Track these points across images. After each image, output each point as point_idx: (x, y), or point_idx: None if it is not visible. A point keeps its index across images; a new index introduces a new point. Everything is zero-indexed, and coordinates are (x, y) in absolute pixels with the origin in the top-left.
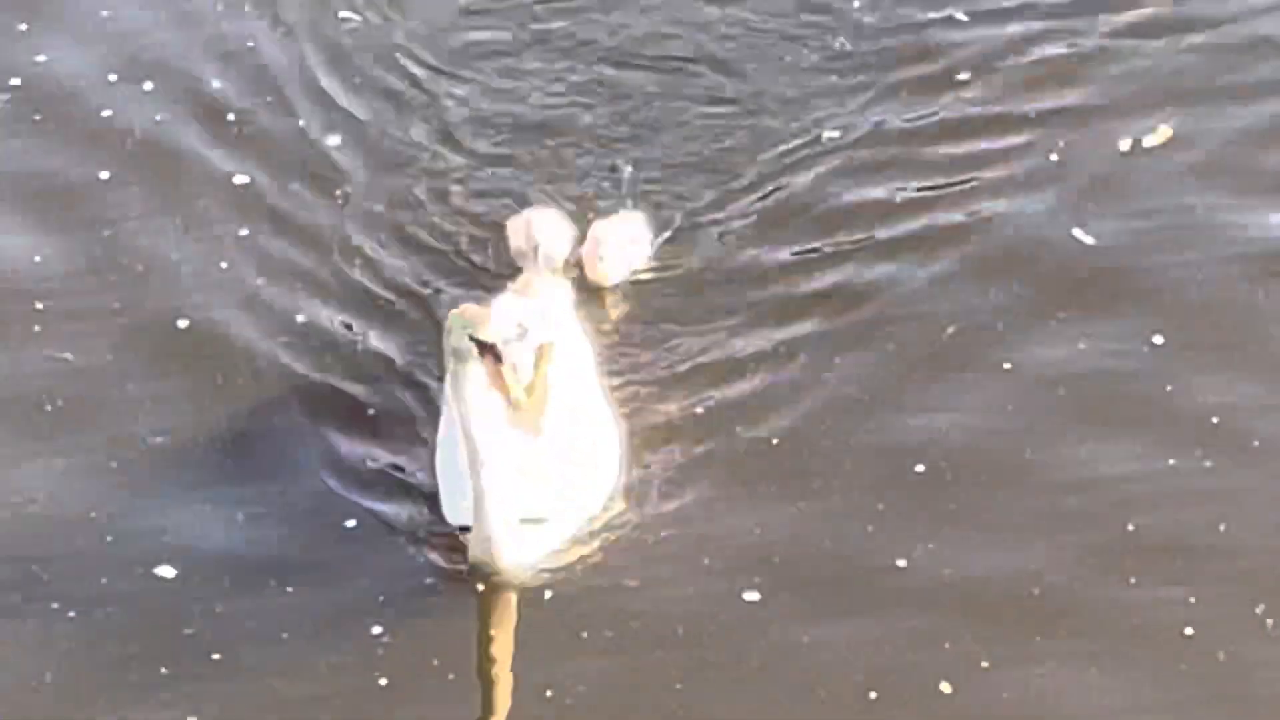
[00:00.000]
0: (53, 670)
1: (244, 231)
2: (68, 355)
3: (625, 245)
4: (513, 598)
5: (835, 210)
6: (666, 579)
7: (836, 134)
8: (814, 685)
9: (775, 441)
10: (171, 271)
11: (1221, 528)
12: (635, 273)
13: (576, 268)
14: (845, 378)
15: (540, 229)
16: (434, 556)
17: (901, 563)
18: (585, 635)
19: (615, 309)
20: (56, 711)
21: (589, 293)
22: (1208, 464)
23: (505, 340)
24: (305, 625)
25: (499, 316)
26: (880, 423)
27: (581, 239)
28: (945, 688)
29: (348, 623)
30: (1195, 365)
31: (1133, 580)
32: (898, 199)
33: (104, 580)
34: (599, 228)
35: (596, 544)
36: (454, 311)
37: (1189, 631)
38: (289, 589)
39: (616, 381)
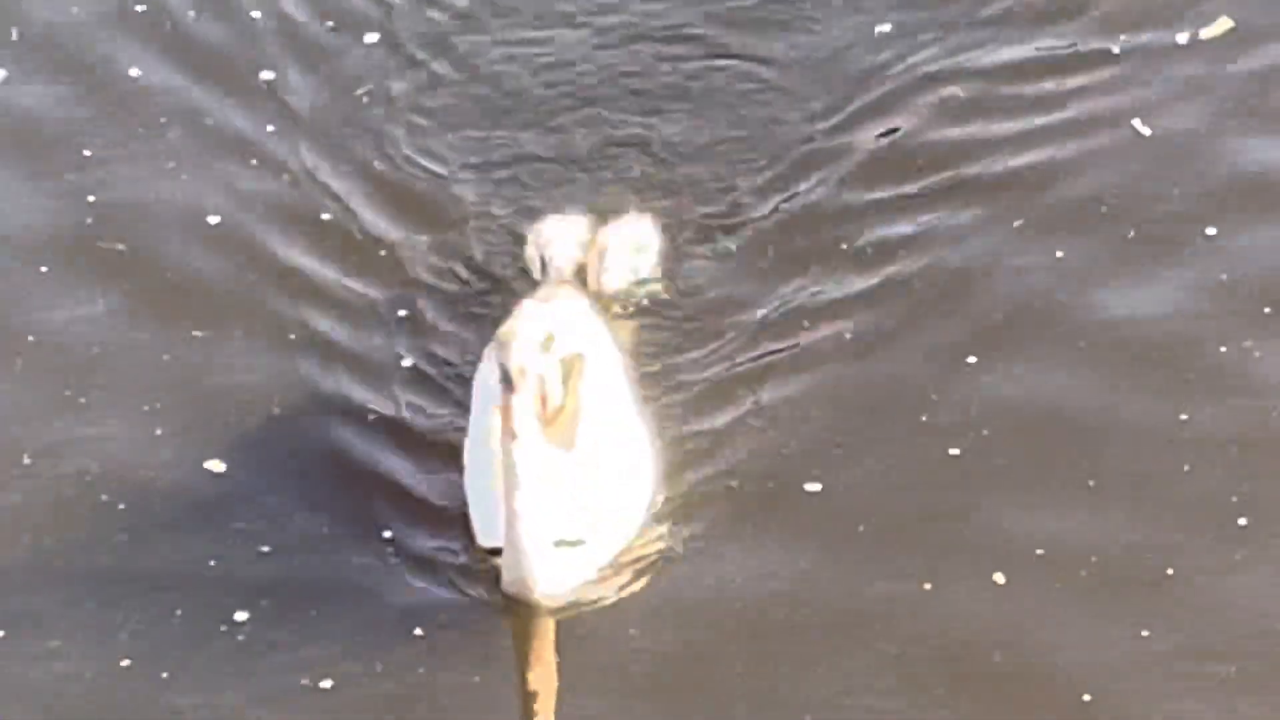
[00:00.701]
0: (104, 563)
1: (270, 128)
2: (119, 246)
3: (629, 252)
4: (550, 627)
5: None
6: (710, 605)
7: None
8: (871, 579)
9: (816, 451)
10: (201, 165)
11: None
12: (642, 280)
13: (581, 276)
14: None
15: (549, 237)
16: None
17: (955, 451)
18: (622, 666)
19: (624, 317)
20: (105, 608)
21: (597, 302)
22: (1257, 355)
23: (523, 368)
24: (353, 523)
25: (521, 340)
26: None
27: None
28: (999, 578)
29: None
30: (1251, 245)
31: (1187, 468)
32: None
33: (153, 475)
34: (604, 235)
35: (635, 569)
36: (500, 330)
37: (1242, 523)
38: (334, 486)
39: (644, 394)
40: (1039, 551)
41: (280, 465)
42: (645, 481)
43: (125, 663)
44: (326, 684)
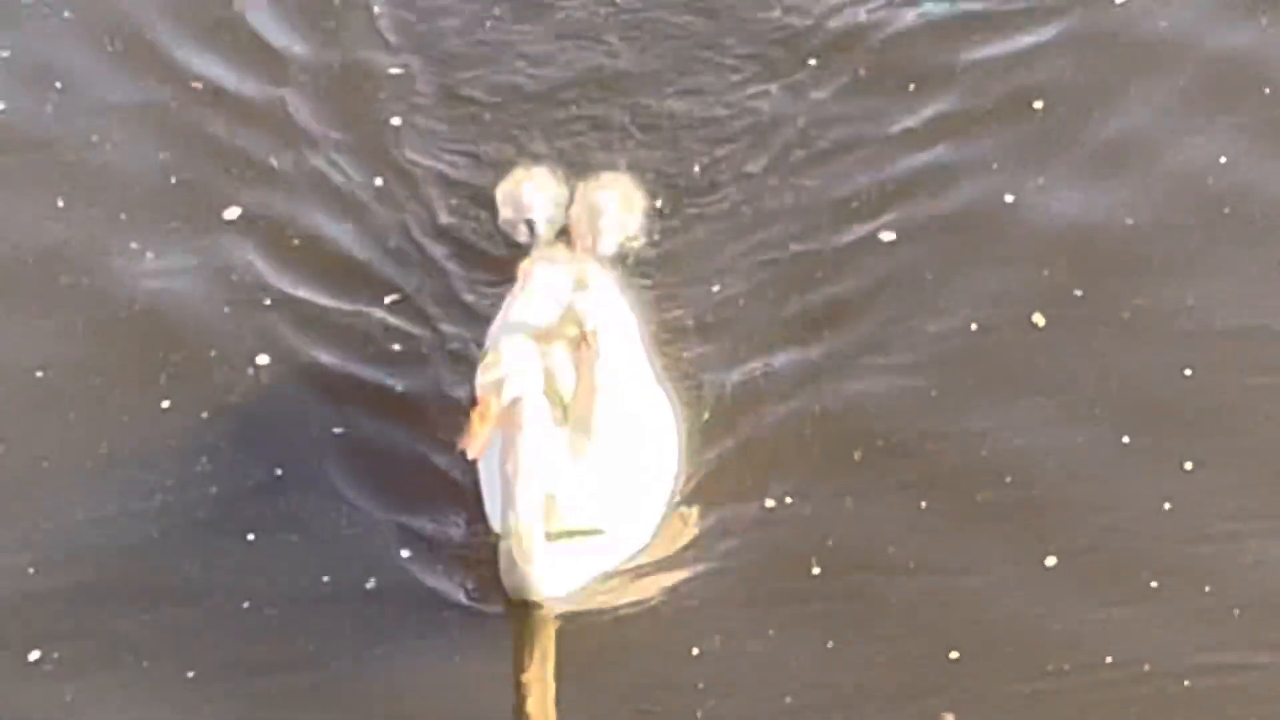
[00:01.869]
0: (140, 309)
1: None
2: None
3: (619, 212)
4: (551, 628)
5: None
6: (726, 602)
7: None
8: (924, 317)
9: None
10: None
11: None
12: (630, 240)
13: (566, 238)
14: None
15: (531, 196)
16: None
17: (1009, 198)
18: (633, 673)
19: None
20: (146, 353)
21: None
22: None
23: (488, 386)
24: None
25: (500, 366)
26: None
27: (569, 204)
28: (1038, 319)
29: None
30: None
31: (1226, 210)
32: None
33: (174, 224)
34: (589, 196)
35: (649, 563)
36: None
37: None
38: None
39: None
40: (1077, 293)
41: (290, 215)
42: (667, 466)
43: (165, 404)
44: (338, 430)
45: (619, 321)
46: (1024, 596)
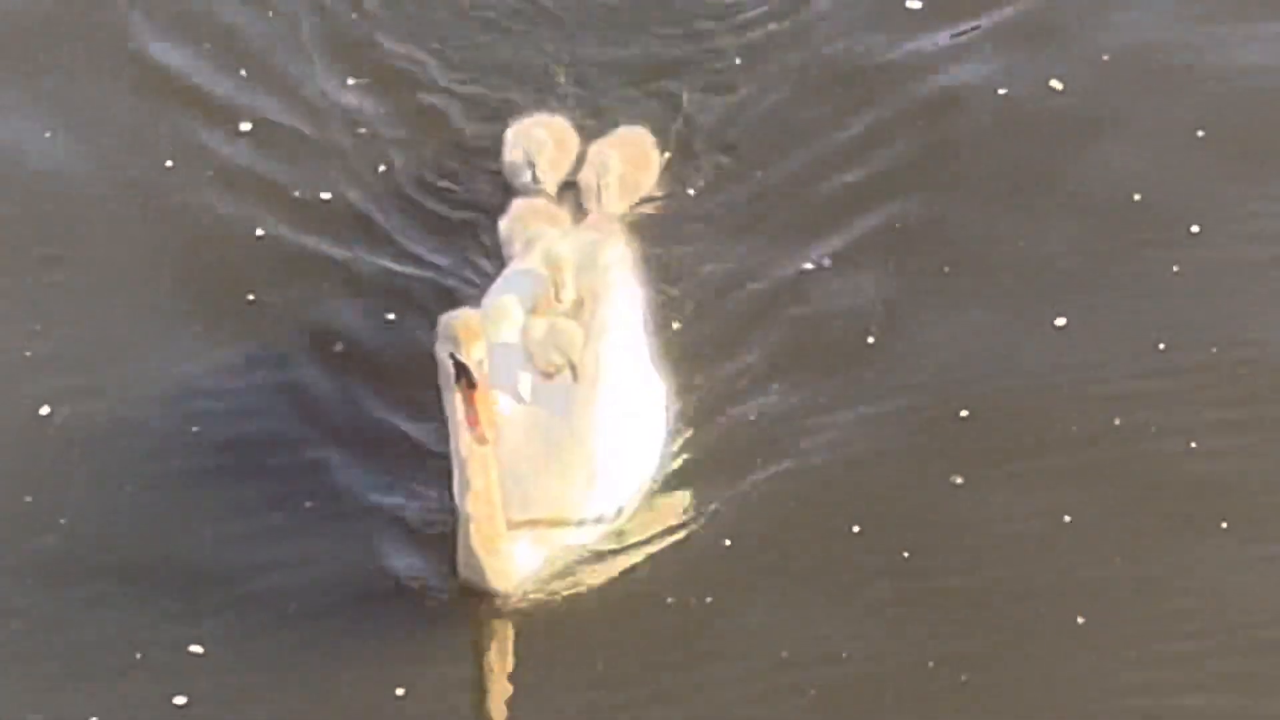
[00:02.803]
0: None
1: None
2: None
3: (632, 169)
4: (508, 623)
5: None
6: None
7: None
8: (949, 112)
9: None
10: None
11: None
12: (643, 199)
13: (574, 195)
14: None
15: (538, 143)
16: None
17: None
18: (590, 665)
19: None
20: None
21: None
22: None
23: (483, 362)
24: None
25: (470, 327)
26: None
27: (580, 157)
28: (1056, 84)
29: None
30: None
31: None
32: None
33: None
34: (600, 152)
35: (618, 552)
36: (446, 318)
37: None
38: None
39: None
40: (1105, 58)
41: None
42: (650, 453)
43: (169, 163)
44: (326, 195)
45: (624, 296)
46: (1034, 355)
